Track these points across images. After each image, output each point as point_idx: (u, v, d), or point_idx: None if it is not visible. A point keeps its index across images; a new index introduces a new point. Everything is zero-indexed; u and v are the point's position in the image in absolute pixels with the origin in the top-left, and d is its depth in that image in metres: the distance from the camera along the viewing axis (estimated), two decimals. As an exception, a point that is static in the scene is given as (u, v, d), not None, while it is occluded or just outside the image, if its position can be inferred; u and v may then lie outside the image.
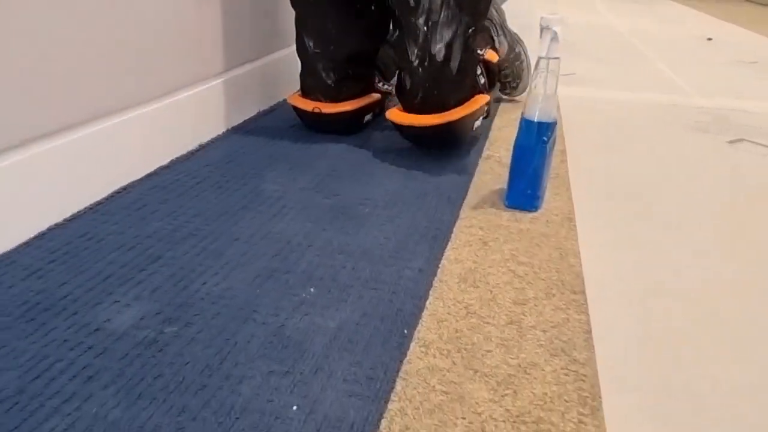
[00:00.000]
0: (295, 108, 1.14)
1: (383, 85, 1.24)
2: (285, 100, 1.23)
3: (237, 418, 0.46)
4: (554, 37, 0.77)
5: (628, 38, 2.55)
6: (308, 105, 1.11)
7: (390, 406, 0.49)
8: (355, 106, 1.14)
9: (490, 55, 1.10)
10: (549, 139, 0.82)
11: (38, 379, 0.49)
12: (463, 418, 0.48)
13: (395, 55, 1.01)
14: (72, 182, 0.76)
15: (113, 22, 0.80)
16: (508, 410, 0.49)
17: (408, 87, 0.96)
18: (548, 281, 0.68)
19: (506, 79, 1.35)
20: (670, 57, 2.13)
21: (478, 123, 1.03)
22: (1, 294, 0.59)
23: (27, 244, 0.69)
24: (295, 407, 0.48)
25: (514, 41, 1.34)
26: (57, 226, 0.73)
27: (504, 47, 1.27)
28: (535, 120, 0.81)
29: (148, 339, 0.55)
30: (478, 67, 1.07)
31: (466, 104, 0.98)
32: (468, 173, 0.97)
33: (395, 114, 1.00)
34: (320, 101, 1.10)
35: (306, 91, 1.13)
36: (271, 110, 1.28)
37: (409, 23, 0.93)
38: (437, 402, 0.49)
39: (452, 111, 0.96)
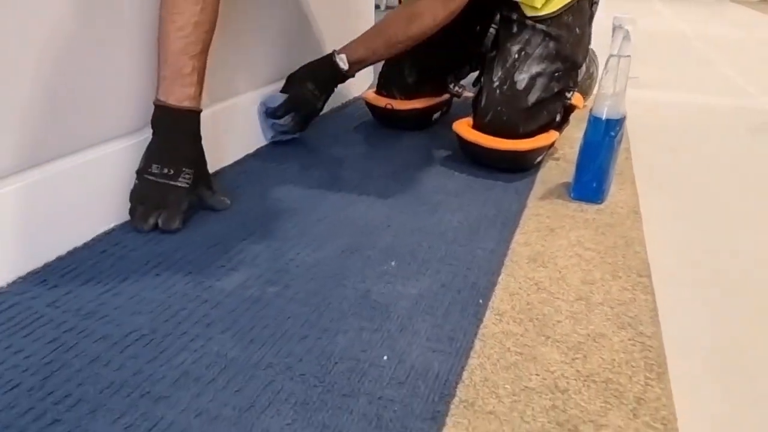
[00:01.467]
0: (368, 104, 1.21)
1: (454, 86, 1.29)
2: (349, 101, 1.30)
3: (336, 363, 0.53)
4: (626, 36, 0.81)
5: (692, 41, 2.51)
6: (381, 101, 1.18)
7: (470, 361, 0.54)
8: (426, 104, 1.20)
9: (577, 100, 1.08)
10: (616, 134, 0.86)
11: (167, 322, 0.57)
12: (537, 375, 0.53)
13: (484, 73, 1.03)
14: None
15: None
16: (578, 371, 0.53)
17: (482, 105, 0.98)
18: (614, 265, 0.72)
19: None
20: (735, 60, 2.10)
21: (541, 158, 1.02)
22: (128, 254, 0.69)
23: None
24: (385, 357, 0.54)
25: (590, 61, 1.35)
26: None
27: (581, 71, 1.28)
28: (604, 117, 0.85)
29: (253, 296, 0.62)
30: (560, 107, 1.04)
31: (536, 138, 0.98)
32: (532, 169, 1.01)
33: (462, 127, 1.01)
34: (394, 98, 1.17)
35: (382, 87, 1.20)
36: (344, 106, 1.35)
37: (504, 48, 0.98)
38: (513, 361, 0.54)
39: (520, 141, 0.96)
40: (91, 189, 0.72)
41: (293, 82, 1.03)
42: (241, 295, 0.62)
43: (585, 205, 0.88)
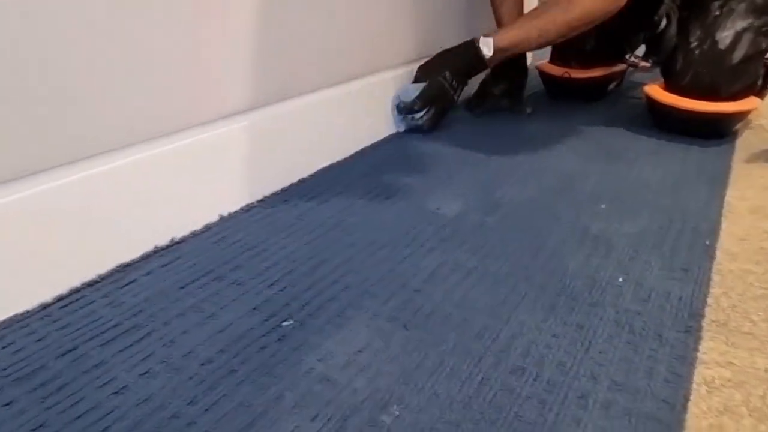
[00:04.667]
0: (543, 74, 1.22)
1: (630, 56, 1.25)
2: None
3: (573, 280, 0.55)
4: None
5: None
6: (558, 71, 1.18)
7: (711, 290, 0.54)
8: (604, 72, 1.18)
9: None
10: None
11: (405, 236, 0.62)
12: (791, 307, 0.51)
13: (678, 32, 1.00)
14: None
15: None
16: (838, 307, 0.51)
17: (678, 67, 0.94)
18: None
19: None
20: None
21: (740, 124, 0.96)
22: (354, 183, 0.75)
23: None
24: (621, 279, 0.55)
25: None
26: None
27: None
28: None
29: (474, 222, 0.66)
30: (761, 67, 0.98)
31: (740, 101, 0.92)
32: (729, 135, 0.96)
33: (655, 90, 0.98)
34: (571, 67, 1.17)
35: (558, 57, 1.19)
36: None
37: (702, 4, 0.93)
38: (759, 294, 0.53)
39: (723, 103, 0.91)
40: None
41: (429, 71, 0.94)
42: (464, 220, 0.66)
43: (800, 170, 0.83)
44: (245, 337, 0.46)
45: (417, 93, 0.91)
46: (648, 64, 1.33)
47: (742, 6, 0.91)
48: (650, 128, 1.00)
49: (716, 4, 0.93)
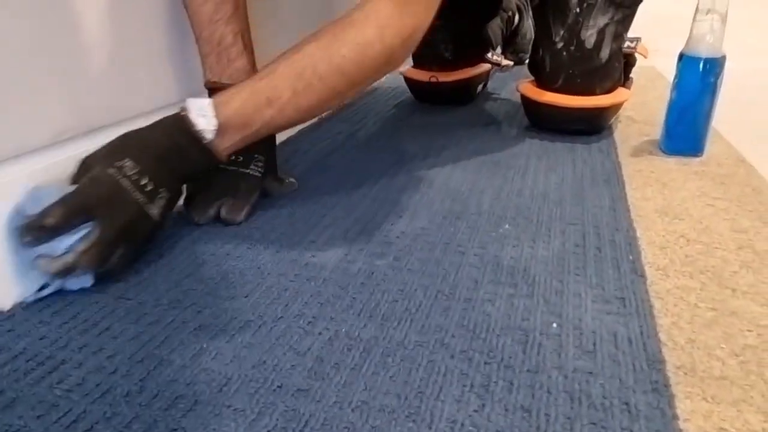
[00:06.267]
0: (409, 80, 1.11)
1: (492, 55, 1.20)
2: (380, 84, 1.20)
3: (498, 335, 0.42)
4: (726, -37, 0.72)
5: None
6: (424, 75, 1.09)
7: (659, 321, 0.44)
8: (470, 74, 1.10)
9: (642, 50, 1.00)
10: (717, 77, 0.77)
11: (272, 305, 0.46)
12: (750, 331, 0.43)
13: (535, 28, 0.94)
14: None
15: None
16: (795, 322, 0.43)
17: (548, 69, 0.88)
18: (758, 212, 0.62)
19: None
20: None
21: (614, 118, 0.93)
22: (200, 237, 0.57)
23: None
24: (554, 324, 0.44)
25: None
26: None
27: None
28: (702, 57, 0.76)
29: (363, 271, 0.51)
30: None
31: (612, 94, 0.89)
32: (606, 129, 0.92)
33: (531, 89, 0.91)
34: (436, 71, 1.08)
35: (420, 63, 1.10)
36: (373, 89, 1.25)
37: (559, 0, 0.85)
38: (709, 317, 0.44)
39: (600, 97, 0.87)
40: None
41: (94, 164, 0.49)
42: (348, 270, 0.51)
43: (684, 159, 0.79)
44: None
45: (57, 197, 0.46)
46: (510, 63, 1.29)
47: (601, 1, 0.87)
48: (529, 129, 0.93)
49: (574, 0, 0.87)
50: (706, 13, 0.75)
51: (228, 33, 0.60)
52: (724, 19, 0.75)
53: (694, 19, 0.77)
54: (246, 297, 0.47)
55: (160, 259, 0.53)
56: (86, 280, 0.48)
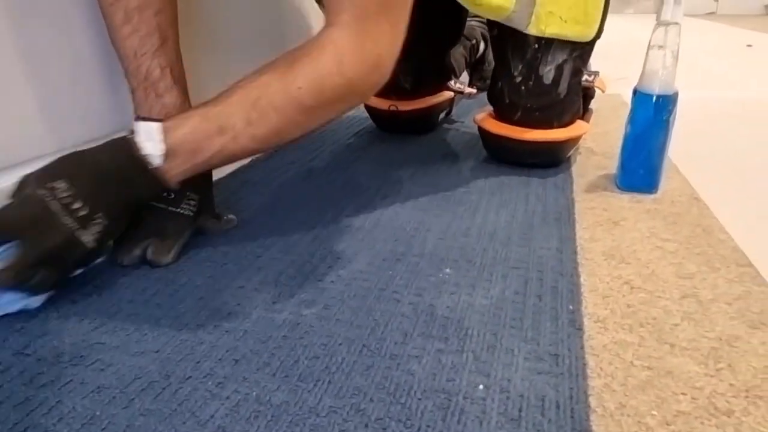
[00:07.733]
0: (370, 108, 1.10)
1: (455, 83, 1.19)
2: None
3: (420, 399, 0.40)
4: (677, 0, 0.72)
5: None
6: (384, 103, 1.07)
7: (591, 383, 0.42)
8: (430, 103, 1.09)
9: (600, 84, 0.98)
10: (670, 114, 0.76)
11: (182, 362, 0.43)
12: (684, 394, 0.40)
13: (494, 58, 0.92)
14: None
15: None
16: (732, 385, 0.41)
17: (506, 101, 0.87)
18: (705, 255, 0.61)
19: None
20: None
21: (572, 150, 0.91)
22: (117, 282, 0.54)
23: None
24: (481, 386, 0.41)
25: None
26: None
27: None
28: (654, 93, 0.75)
29: (288, 322, 0.48)
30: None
31: (570, 127, 0.88)
32: (564, 163, 0.91)
33: (488, 122, 0.89)
34: (396, 99, 1.06)
35: (380, 91, 1.08)
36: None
37: (515, 32, 0.81)
38: (644, 377, 0.42)
39: (557, 130, 0.86)
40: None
41: (28, 183, 0.48)
42: (272, 321, 0.48)
43: (638, 196, 0.78)
44: None
45: None
46: (474, 91, 1.28)
47: None
48: (488, 161, 0.91)
49: (531, 37, 0.85)
50: (658, 49, 0.74)
51: (155, 67, 0.57)
52: (675, 55, 0.74)
53: (646, 55, 0.76)
54: (157, 352, 0.44)
55: (72, 305, 0.50)
56: (38, 300, 0.49)
